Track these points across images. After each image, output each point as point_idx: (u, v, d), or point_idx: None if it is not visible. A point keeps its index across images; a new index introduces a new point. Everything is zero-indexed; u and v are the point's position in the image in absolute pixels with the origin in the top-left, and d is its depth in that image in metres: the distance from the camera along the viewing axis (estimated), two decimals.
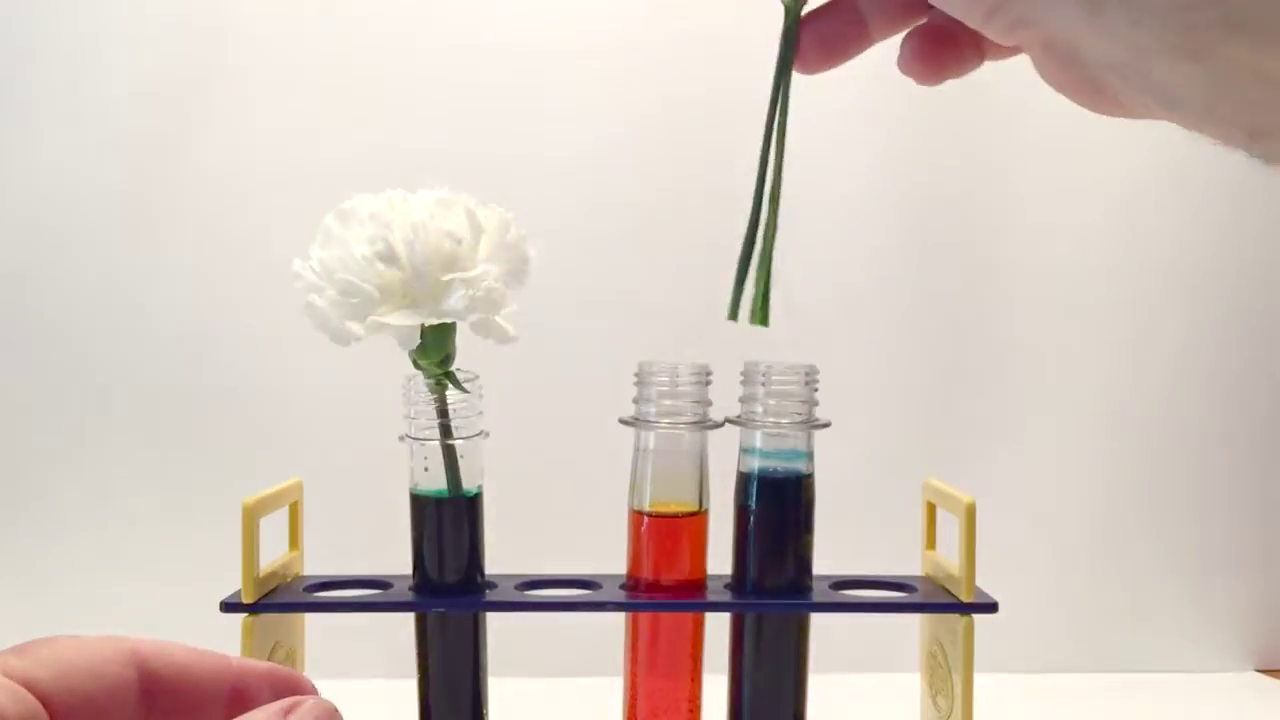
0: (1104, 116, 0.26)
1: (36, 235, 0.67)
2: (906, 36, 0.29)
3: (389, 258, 0.40)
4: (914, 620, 0.52)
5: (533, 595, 0.47)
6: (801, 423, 0.46)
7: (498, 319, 0.43)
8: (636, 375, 0.46)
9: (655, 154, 0.70)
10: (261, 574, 0.45)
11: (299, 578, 0.49)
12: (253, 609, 0.44)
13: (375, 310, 0.41)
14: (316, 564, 0.50)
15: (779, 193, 0.31)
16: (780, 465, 0.46)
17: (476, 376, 0.46)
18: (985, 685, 0.46)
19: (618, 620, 0.47)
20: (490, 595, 0.46)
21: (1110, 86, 0.24)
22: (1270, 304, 0.73)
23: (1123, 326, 0.72)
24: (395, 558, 0.48)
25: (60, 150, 0.67)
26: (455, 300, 0.41)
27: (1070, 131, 0.68)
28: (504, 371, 0.48)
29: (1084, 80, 0.24)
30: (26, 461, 0.68)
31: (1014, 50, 0.27)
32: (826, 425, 0.46)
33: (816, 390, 0.46)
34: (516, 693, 0.54)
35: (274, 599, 0.46)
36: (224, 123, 0.68)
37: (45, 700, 0.21)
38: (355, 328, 0.41)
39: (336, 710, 0.22)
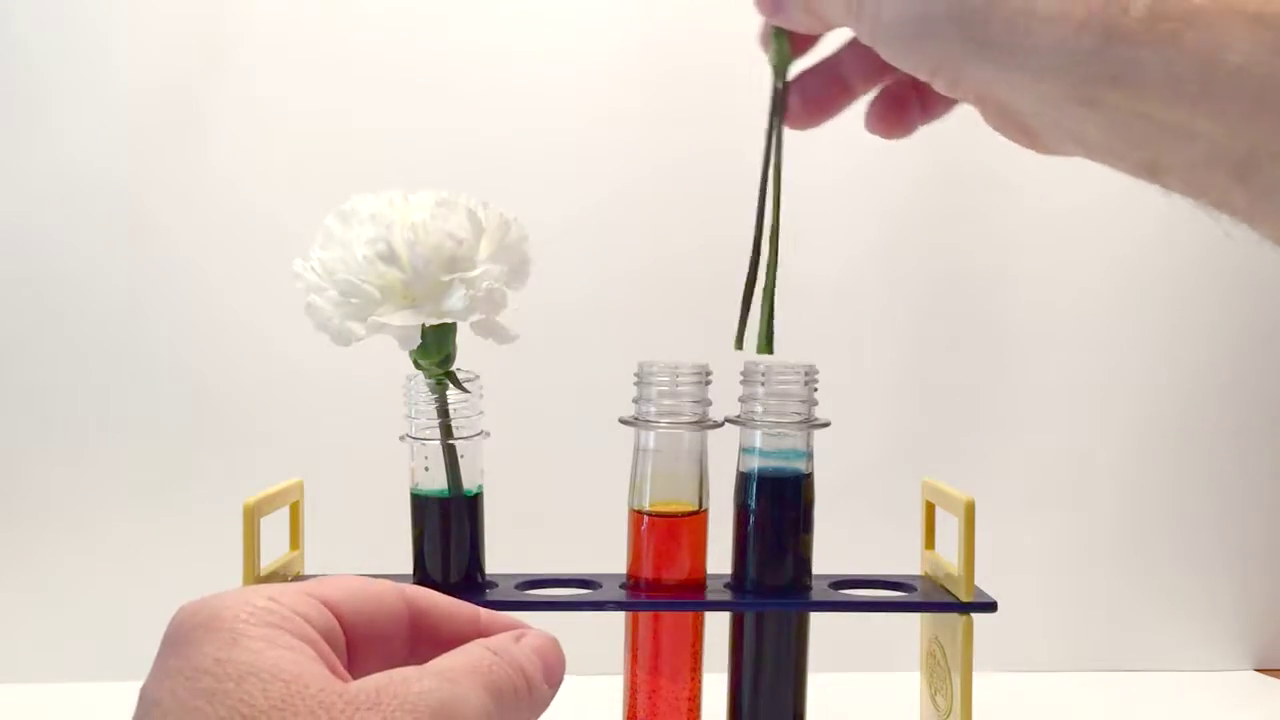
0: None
1: (37, 234, 0.67)
2: (871, 101, 0.33)
3: (390, 258, 0.40)
4: (913, 620, 0.52)
5: (533, 595, 0.47)
6: (801, 422, 0.46)
7: (498, 319, 0.43)
8: (636, 375, 0.47)
9: (658, 152, 0.70)
10: (262, 574, 0.45)
11: (299, 578, 0.49)
12: None
13: (376, 310, 0.41)
14: (317, 564, 0.51)
15: (778, 233, 0.33)
16: (780, 465, 0.46)
17: (476, 376, 0.46)
18: (984, 685, 0.46)
19: (618, 620, 0.47)
20: (490, 595, 0.46)
21: (1034, 130, 0.28)
22: (1271, 304, 0.73)
23: (1122, 328, 0.72)
24: (396, 557, 0.48)
25: (61, 149, 0.67)
26: (456, 300, 0.41)
27: None
28: (504, 371, 0.49)
29: (1016, 125, 0.28)
30: (26, 460, 0.68)
31: (954, 102, 0.31)
32: (826, 425, 0.46)
33: (816, 390, 0.46)
34: None
35: None
36: (226, 123, 0.68)
37: (339, 617, 0.24)
38: (356, 328, 0.41)
39: (556, 642, 0.26)
